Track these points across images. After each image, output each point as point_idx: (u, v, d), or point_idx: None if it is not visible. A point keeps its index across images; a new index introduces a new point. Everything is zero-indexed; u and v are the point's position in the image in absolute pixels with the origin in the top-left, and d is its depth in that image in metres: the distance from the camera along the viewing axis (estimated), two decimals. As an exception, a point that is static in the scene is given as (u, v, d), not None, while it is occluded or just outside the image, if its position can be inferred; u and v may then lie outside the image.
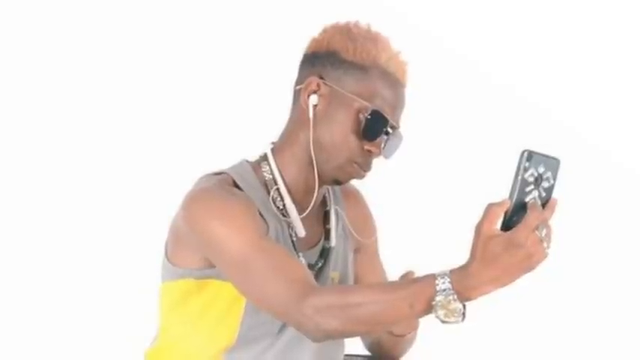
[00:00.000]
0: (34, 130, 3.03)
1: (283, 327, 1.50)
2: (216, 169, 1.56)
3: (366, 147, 1.50)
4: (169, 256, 1.54)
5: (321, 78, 1.51)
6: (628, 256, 3.03)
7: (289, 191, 1.54)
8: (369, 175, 1.56)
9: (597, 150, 3.01)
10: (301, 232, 1.54)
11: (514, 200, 1.20)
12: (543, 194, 1.22)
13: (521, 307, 2.81)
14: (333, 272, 1.60)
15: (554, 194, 1.23)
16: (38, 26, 3.02)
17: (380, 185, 1.70)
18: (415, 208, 2.96)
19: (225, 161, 1.58)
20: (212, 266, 1.47)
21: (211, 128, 2.96)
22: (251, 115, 2.85)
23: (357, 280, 1.70)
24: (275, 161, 1.55)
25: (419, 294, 1.25)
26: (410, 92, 1.56)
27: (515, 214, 1.21)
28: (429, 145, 2.78)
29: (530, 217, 1.18)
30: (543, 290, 2.71)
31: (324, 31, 1.55)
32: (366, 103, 1.48)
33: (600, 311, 3.00)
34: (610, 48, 3.05)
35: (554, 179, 1.22)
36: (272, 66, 2.69)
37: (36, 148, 3.03)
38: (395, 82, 1.51)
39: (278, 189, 1.53)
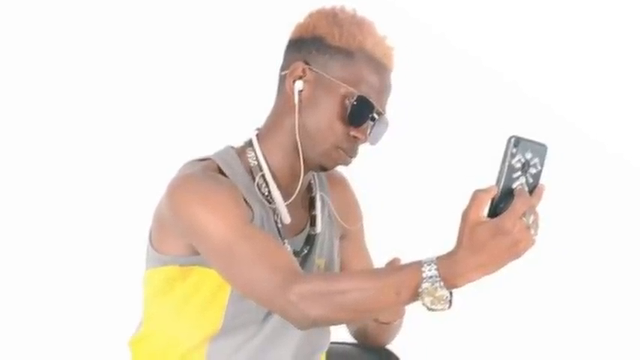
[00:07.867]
0: (21, 125, 3.01)
1: (268, 314, 1.49)
2: (201, 155, 1.54)
3: (352, 133, 1.49)
4: (153, 243, 1.53)
5: (307, 63, 1.50)
6: (616, 245, 3.03)
7: (274, 177, 1.53)
8: (356, 161, 1.55)
9: (586, 137, 3.01)
10: (287, 218, 1.53)
11: (501, 187, 1.20)
12: (530, 181, 1.22)
13: (510, 296, 2.82)
14: (318, 259, 1.60)
15: (542, 180, 1.23)
16: (35, 26, 3.00)
17: (366, 172, 1.69)
18: (402, 195, 2.95)
19: (209, 147, 1.57)
20: (196, 253, 1.46)
21: (195, 114, 2.95)
22: (235, 101, 2.83)
23: (342, 267, 1.69)
24: (260, 147, 1.54)
25: (405, 281, 1.24)
26: (397, 79, 1.55)
27: (502, 201, 1.20)
28: (416, 131, 2.78)
29: (518, 204, 1.18)
30: (533, 279, 2.71)
31: (310, 16, 1.54)
32: (351, 89, 1.47)
33: (592, 302, 3.00)
34: (608, 40, 3.06)
35: (542, 165, 1.22)
36: (256, 51, 2.68)
37: (22, 141, 3.02)
38: (381, 68, 1.50)
39: (263, 175, 1.52)
